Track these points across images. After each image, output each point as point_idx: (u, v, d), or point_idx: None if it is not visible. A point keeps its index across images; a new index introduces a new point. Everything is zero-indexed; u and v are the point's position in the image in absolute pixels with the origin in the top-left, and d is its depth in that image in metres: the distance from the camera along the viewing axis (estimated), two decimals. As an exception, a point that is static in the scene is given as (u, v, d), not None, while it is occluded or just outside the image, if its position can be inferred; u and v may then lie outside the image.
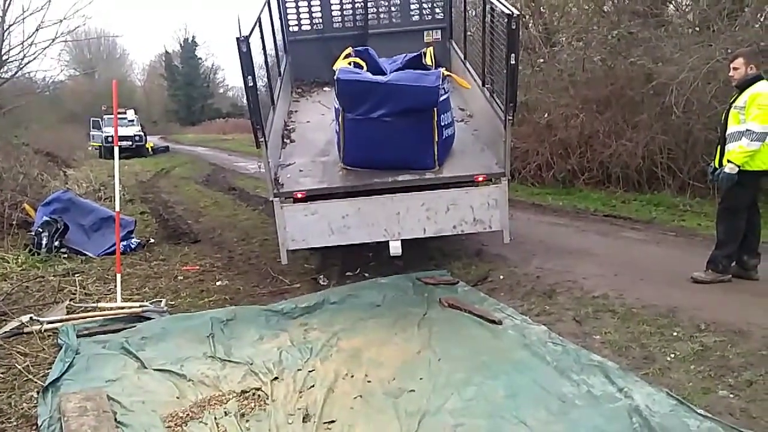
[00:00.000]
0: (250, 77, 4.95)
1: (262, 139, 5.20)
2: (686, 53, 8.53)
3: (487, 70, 6.15)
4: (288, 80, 7.67)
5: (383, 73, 6.26)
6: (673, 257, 5.95)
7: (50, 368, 3.99)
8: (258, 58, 5.84)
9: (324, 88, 7.88)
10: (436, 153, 5.55)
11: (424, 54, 6.24)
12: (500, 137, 5.48)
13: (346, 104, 5.43)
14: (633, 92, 9.59)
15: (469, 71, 6.90)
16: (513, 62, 4.96)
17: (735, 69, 4.90)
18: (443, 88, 5.49)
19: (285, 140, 6.44)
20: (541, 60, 11.25)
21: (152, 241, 8.23)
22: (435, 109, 5.38)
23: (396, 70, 6.21)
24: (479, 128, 6.28)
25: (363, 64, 6.04)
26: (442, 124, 5.53)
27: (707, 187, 8.23)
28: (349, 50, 6.52)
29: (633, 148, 9.33)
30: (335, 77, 5.39)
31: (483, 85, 6.28)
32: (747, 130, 4.68)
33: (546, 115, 10.49)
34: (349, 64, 5.91)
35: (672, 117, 8.68)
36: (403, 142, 5.43)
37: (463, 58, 7.24)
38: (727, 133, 4.89)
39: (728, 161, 4.77)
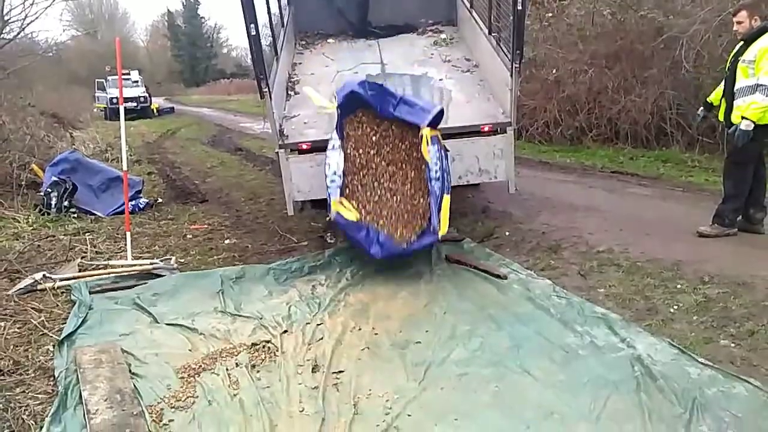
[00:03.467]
0: (252, 25, 4.86)
1: (266, 89, 5.12)
2: (697, 5, 8.36)
3: (493, 18, 6.04)
4: (291, 32, 7.56)
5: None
6: (680, 212, 5.95)
7: (64, 323, 4.08)
8: (262, 16, 5.74)
9: (328, 40, 7.75)
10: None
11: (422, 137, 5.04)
12: (506, 87, 5.41)
13: None
14: (643, 46, 9.40)
15: (475, 19, 6.79)
16: (520, 7, 4.87)
17: (739, 23, 4.82)
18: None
19: (289, 92, 6.39)
20: (550, 14, 11.00)
21: (160, 200, 8.28)
22: None
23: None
24: (485, 78, 6.19)
25: None
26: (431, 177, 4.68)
27: (716, 143, 8.15)
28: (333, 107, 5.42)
29: (642, 103, 9.22)
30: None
31: (489, 33, 6.18)
32: (759, 85, 4.62)
33: (554, 71, 10.33)
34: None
35: (682, 71, 8.55)
36: None
37: (469, 7, 7.11)
38: (736, 87, 4.82)
39: (743, 117, 4.69)
